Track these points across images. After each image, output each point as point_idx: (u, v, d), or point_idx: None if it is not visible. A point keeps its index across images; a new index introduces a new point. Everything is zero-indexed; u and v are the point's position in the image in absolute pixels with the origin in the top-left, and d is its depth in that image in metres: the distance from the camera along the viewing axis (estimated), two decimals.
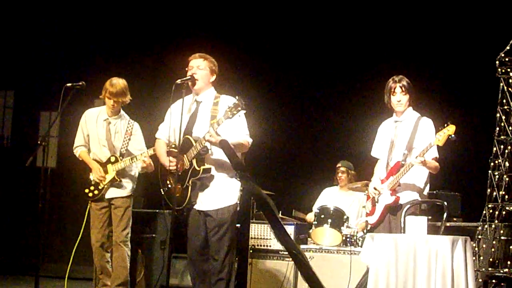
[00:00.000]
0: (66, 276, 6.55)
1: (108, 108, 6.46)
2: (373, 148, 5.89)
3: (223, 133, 5.05)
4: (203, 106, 5.36)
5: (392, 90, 5.59)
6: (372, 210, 5.72)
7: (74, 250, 6.39)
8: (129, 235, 6.43)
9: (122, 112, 6.53)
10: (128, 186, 6.45)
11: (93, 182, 6.40)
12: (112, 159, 6.38)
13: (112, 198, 6.40)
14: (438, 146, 5.27)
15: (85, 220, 6.41)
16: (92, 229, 6.40)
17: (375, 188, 5.63)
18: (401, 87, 5.56)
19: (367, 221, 6.03)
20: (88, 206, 6.46)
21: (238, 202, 5.29)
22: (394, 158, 5.58)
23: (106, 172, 6.37)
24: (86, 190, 6.41)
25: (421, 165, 5.31)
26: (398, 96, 5.58)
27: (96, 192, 6.39)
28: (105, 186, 6.37)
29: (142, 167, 6.39)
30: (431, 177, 5.62)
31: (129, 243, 6.41)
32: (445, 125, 5.18)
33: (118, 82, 6.35)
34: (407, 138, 5.55)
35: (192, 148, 5.17)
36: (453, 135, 5.14)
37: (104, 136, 6.43)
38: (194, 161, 5.17)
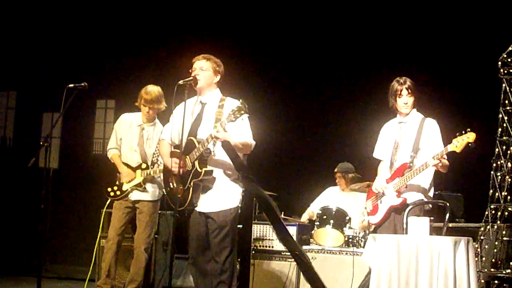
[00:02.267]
0: (87, 278, 6.65)
1: (143, 115, 6.58)
2: (375, 150, 5.88)
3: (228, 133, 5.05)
4: (208, 108, 5.36)
5: (399, 92, 5.56)
6: (374, 210, 5.72)
7: (95, 251, 6.61)
8: (152, 241, 6.60)
9: (156, 120, 6.64)
10: (153, 191, 6.56)
11: (117, 183, 6.52)
12: (143, 166, 6.51)
13: (138, 201, 6.50)
14: (454, 152, 5.23)
15: (102, 221, 6.49)
16: (111, 227, 6.53)
17: (380, 187, 5.61)
18: (407, 89, 5.54)
19: (368, 220, 6.02)
20: (104, 209, 6.62)
21: (240, 205, 5.30)
22: (399, 159, 5.57)
23: (134, 176, 6.49)
24: (109, 189, 6.55)
25: (436, 167, 5.27)
26: (405, 98, 5.56)
27: (118, 193, 6.52)
28: (129, 189, 6.49)
29: None
30: (434, 178, 5.62)
31: (149, 248, 6.56)
32: (463, 131, 5.14)
33: (153, 90, 6.47)
34: (413, 139, 5.54)
35: (195, 150, 5.17)
36: (472, 143, 5.12)
37: (136, 142, 6.56)
38: (196, 163, 5.17)
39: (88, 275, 6.64)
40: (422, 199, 5.52)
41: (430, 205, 5.59)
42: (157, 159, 6.52)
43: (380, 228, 5.63)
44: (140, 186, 6.47)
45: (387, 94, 5.68)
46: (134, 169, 6.53)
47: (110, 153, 6.67)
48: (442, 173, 5.50)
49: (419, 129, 5.55)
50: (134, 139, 6.58)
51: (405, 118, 5.64)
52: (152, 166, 6.50)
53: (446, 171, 5.47)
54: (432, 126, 5.55)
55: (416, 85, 5.63)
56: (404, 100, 5.57)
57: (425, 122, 5.57)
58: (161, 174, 6.42)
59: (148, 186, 6.52)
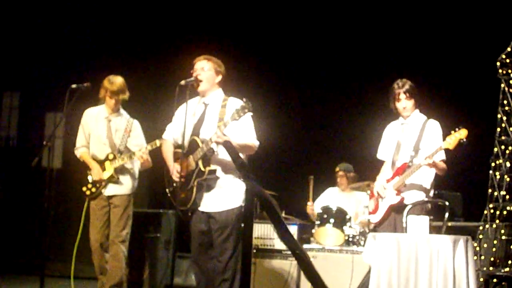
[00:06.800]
0: (72, 275, 6.59)
1: (108, 107, 6.43)
2: (379, 151, 5.89)
3: (230, 135, 5.06)
4: (210, 108, 5.38)
5: (397, 96, 5.59)
6: (375, 209, 5.76)
7: (75, 250, 6.39)
8: (129, 235, 6.37)
9: (121, 110, 6.50)
10: (127, 183, 6.39)
11: (91, 181, 6.37)
12: (110, 156, 6.34)
13: (111, 196, 6.34)
14: (448, 149, 5.28)
15: (82, 219, 6.38)
16: (92, 228, 6.36)
17: (382, 187, 5.65)
18: (405, 93, 5.57)
19: (369, 219, 6.06)
20: (85, 205, 6.42)
21: (243, 204, 5.25)
22: (401, 159, 5.60)
23: (104, 169, 6.34)
24: (84, 188, 6.39)
25: (430, 166, 5.33)
26: (403, 102, 5.59)
27: (93, 190, 6.35)
28: (103, 184, 6.33)
29: (141, 163, 6.31)
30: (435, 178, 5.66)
31: (127, 243, 6.35)
32: (456, 129, 5.19)
33: (117, 80, 6.32)
34: (414, 139, 5.57)
35: (198, 149, 5.19)
36: (464, 140, 5.16)
37: (105, 134, 6.40)
38: (200, 162, 5.18)
39: (72, 272, 6.51)
40: (423, 199, 5.54)
41: (429, 205, 5.62)
42: (125, 147, 6.36)
43: (381, 227, 5.66)
44: (113, 178, 6.30)
45: (388, 95, 5.71)
46: (102, 162, 6.37)
47: (79, 152, 6.50)
48: (441, 173, 5.54)
49: (421, 130, 5.58)
50: (103, 132, 6.41)
51: (407, 119, 5.67)
52: (119, 155, 6.31)
53: (443, 174, 5.49)
54: (434, 128, 5.58)
55: (416, 87, 5.65)
56: (403, 104, 5.60)
57: (427, 123, 5.60)
58: (133, 163, 6.37)
59: (123, 178, 6.35)
